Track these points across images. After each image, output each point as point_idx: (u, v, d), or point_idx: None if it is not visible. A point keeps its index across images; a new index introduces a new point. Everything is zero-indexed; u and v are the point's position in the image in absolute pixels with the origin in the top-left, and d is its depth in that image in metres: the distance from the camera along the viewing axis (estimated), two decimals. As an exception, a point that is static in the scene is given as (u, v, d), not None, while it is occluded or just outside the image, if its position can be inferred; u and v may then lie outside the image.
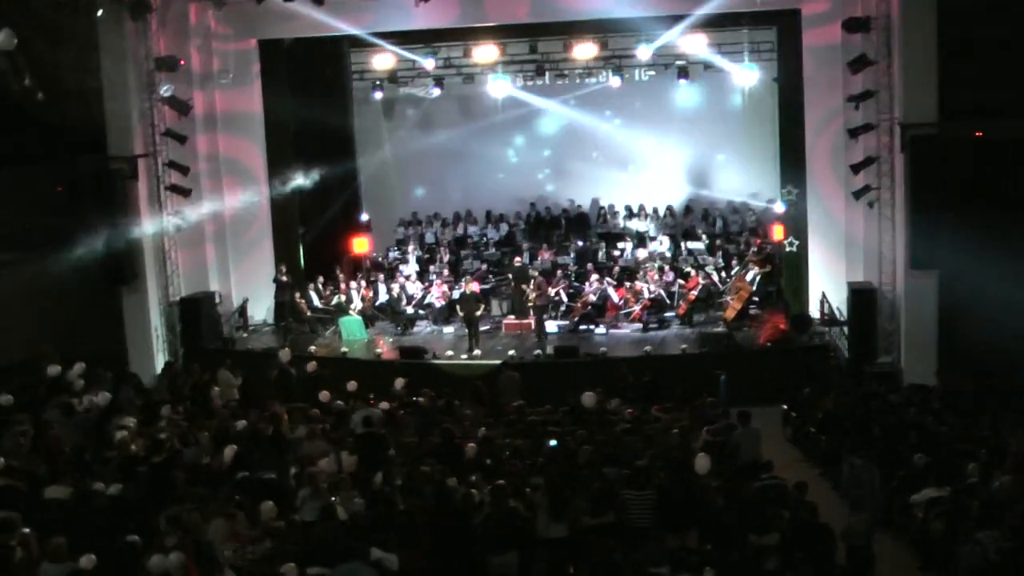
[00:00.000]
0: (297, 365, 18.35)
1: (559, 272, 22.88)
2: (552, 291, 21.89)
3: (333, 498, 11.23)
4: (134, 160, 20.95)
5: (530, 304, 20.92)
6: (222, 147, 22.45)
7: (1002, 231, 17.92)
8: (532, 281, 21.07)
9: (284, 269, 22.45)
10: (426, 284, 23.16)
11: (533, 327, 20.91)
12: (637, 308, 21.48)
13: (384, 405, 15.45)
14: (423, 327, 22.56)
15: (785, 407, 16.91)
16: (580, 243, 24.40)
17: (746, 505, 10.91)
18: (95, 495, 11.22)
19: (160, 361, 21.16)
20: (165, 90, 20.78)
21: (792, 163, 21.24)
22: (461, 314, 21.16)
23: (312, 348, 20.58)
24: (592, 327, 21.37)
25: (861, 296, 19.18)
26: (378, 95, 25.15)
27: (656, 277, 21.86)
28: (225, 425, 14.38)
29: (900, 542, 12.06)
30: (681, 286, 21.81)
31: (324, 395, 16.02)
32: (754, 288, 21.21)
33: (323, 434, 13.93)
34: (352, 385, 16.46)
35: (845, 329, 19.66)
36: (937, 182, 17.77)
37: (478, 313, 20.68)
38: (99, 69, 20.34)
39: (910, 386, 16.41)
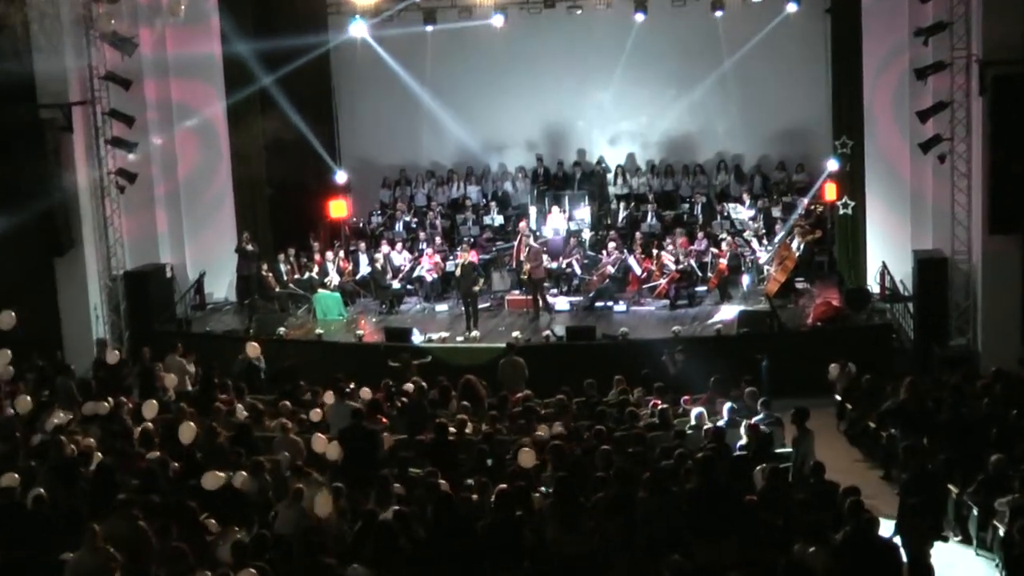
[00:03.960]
0: (267, 353, 18.37)
1: (572, 240, 22.74)
2: (564, 262, 21.84)
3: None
4: (69, 109, 20.77)
5: (524, 276, 20.85)
6: (174, 94, 22.31)
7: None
8: (528, 250, 20.94)
9: (248, 237, 22.36)
10: (415, 254, 23.03)
11: (534, 304, 21.00)
12: (663, 282, 21.33)
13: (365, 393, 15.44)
14: (412, 304, 22.49)
15: (839, 398, 16.74)
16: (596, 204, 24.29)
17: (793, 514, 10.75)
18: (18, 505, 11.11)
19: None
20: (104, 24, 20.55)
21: (847, 110, 21.10)
22: (457, 289, 21.06)
23: (282, 330, 20.49)
24: (611, 304, 21.25)
25: (930, 266, 19.07)
26: (359, 32, 24.79)
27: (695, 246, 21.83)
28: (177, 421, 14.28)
29: (980, 557, 11.95)
30: (714, 255, 21.66)
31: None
32: (798, 255, 20.99)
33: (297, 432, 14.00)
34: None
35: (910, 306, 19.53)
36: (1022, 130, 17.49)
37: (477, 288, 20.54)
38: (25, 1, 20.09)
39: (989, 372, 16.20)
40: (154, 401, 15.12)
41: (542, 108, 25.82)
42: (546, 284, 21.69)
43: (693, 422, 13.93)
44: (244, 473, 12.07)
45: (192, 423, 13.59)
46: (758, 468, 12.03)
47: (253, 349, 18.20)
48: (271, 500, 11.94)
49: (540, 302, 21.01)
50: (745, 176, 24.83)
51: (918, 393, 14.91)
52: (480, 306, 20.97)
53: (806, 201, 22.70)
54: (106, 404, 15.14)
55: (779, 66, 24.28)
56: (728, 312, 20.26)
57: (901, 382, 15.87)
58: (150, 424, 14.22)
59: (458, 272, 20.96)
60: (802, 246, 21.31)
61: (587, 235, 23.38)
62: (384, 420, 14.61)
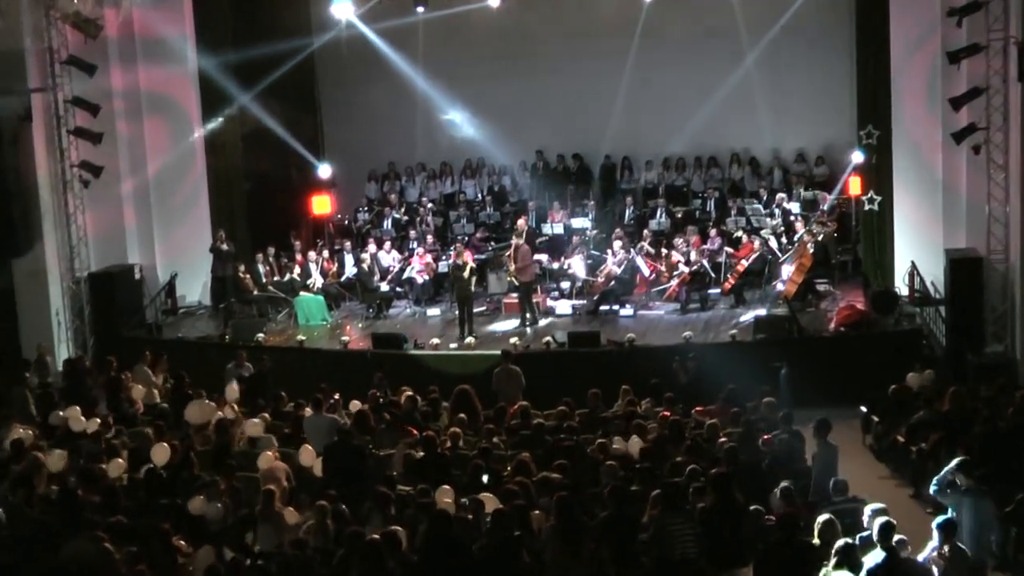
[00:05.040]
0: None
1: (575, 239, 22.71)
2: (566, 262, 21.82)
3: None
4: (28, 96, 20.80)
5: (510, 278, 20.95)
6: (142, 81, 22.32)
7: None
8: (515, 249, 20.92)
9: (224, 236, 22.41)
10: (405, 254, 23.00)
11: (521, 308, 21.02)
12: (674, 283, 21.28)
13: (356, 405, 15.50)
14: (401, 308, 22.49)
15: (865, 409, 16.69)
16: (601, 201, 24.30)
17: (814, 535, 10.68)
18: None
19: (64, 354, 21.03)
20: (65, 3, 20.54)
21: (873, 97, 21.06)
22: (450, 292, 21.07)
23: (260, 336, 20.44)
24: (616, 307, 21.22)
25: (963, 267, 19.00)
26: (343, 13, 24.72)
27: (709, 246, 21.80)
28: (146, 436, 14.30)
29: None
30: (729, 255, 21.60)
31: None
32: (813, 253, 20.92)
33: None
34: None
35: (942, 309, 19.46)
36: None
37: (472, 290, 20.49)
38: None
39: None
40: (87, 420, 15.20)
41: (542, 97, 25.73)
42: (550, 287, 21.61)
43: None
44: (200, 497, 12.06)
45: (165, 444, 13.61)
46: (776, 487, 11.95)
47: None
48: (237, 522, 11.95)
49: (531, 306, 20.93)
50: (762, 169, 24.77)
51: (961, 403, 14.81)
52: (475, 310, 20.95)
53: (830, 196, 22.63)
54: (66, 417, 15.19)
55: (800, 50, 24.27)
56: (750, 316, 20.20)
57: (931, 391, 15.85)
58: (115, 441, 14.25)
59: (453, 273, 20.89)
60: (814, 244, 21.20)
61: (591, 233, 23.30)
62: (415, 432, 14.43)
